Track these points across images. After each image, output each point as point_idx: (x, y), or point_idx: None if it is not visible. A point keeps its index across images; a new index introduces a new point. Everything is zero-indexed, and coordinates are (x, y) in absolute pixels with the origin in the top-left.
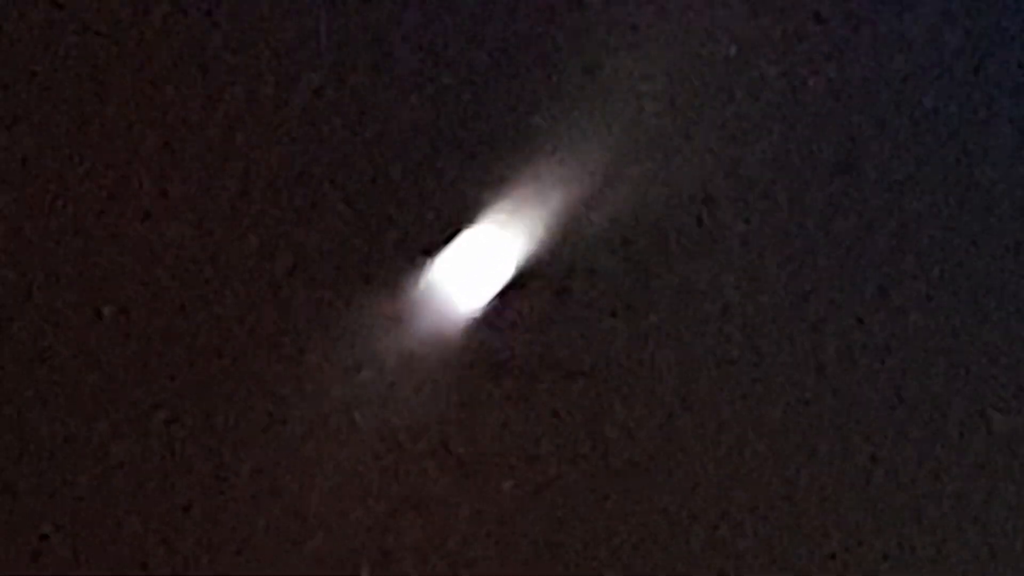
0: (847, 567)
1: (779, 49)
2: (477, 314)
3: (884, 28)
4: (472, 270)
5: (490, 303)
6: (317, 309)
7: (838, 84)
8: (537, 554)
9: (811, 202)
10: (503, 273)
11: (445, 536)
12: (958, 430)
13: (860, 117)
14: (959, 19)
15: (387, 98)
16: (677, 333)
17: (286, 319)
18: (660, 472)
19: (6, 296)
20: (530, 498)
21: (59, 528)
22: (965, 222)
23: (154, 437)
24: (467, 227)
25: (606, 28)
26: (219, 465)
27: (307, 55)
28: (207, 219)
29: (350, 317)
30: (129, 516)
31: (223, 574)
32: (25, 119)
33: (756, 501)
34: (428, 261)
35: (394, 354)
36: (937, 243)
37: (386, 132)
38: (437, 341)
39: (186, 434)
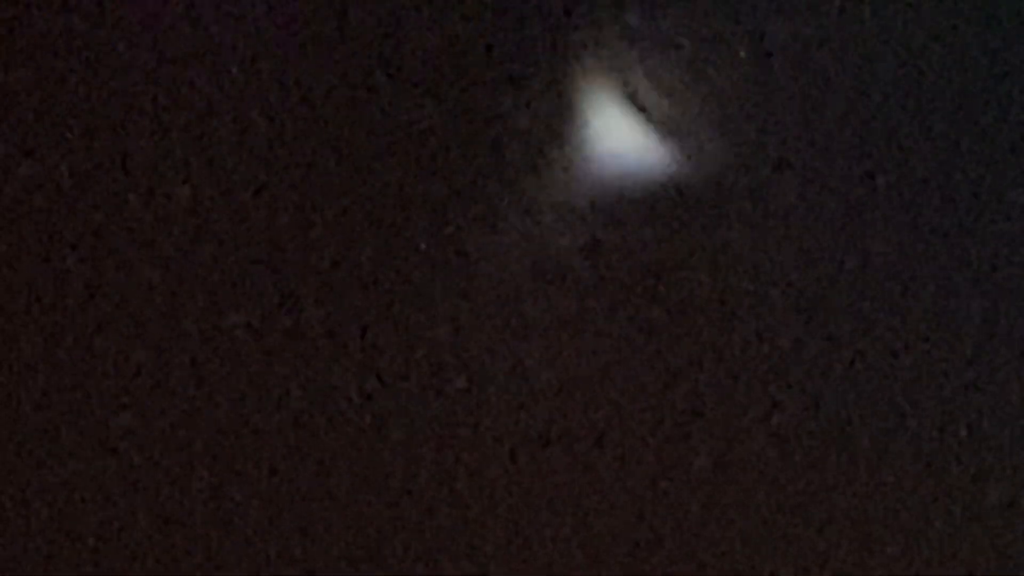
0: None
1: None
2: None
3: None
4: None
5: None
6: (336, 312)
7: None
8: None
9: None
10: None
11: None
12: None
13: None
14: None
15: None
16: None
17: (300, 324)
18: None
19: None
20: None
21: (64, 532)
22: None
23: (160, 441)
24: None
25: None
26: (231, 472)
27: (327, 51)
28: (222, 220)
29: (372, 320)
30: (138, 522)
31: None
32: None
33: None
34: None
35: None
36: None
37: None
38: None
39: (193, 438)
